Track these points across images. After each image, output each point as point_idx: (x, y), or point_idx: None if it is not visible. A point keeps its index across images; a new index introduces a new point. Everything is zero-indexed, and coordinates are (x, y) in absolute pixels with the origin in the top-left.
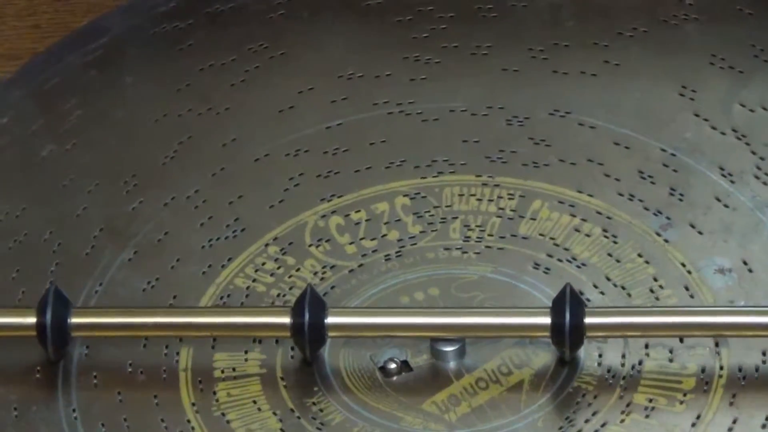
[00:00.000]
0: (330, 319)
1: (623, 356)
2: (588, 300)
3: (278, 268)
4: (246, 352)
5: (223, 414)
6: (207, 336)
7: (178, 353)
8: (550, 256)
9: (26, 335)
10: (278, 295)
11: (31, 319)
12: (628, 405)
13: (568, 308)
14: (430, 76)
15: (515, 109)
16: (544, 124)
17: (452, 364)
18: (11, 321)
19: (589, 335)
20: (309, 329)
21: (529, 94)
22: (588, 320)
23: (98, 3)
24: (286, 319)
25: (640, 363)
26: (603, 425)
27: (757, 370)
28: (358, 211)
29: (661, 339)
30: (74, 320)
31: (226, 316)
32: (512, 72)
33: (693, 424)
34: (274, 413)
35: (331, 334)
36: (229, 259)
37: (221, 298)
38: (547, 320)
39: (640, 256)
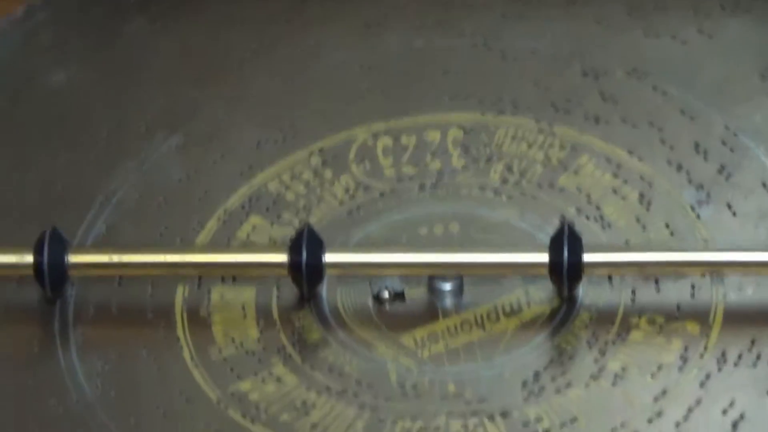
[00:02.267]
0: (328, 258)
1: (613, 323)
2: None
3: (314, 179)
4: None
5: (209, 314)
6: (205, 275)
7: None
8: (578, 211)
9: (23, 275)
10: (303, 207)
11: (29, 259)
12: (600, 370)
13: (566, 245)
14: (524, 14)
15: (595, 62)
16: (618, 82)
17: (446, 302)
18: (8, 260)
19: (588, 272)
20: (306, 268)
21: (613, 50)
22: (586, 257)
23: None
24: (284, 258)
25: (627, 331)
26: (567, 385)
27: (740, 356)
28: (410, 135)
29: (656, 310)
30: (71, 259)
31: (223, 254)
32: (605, 25)
33: (655, 398)
34: (258, 322)
35: (328, 272)
36: (270, 164)
37: (249, 199)
38: (545, 258)
39: (667, 226)
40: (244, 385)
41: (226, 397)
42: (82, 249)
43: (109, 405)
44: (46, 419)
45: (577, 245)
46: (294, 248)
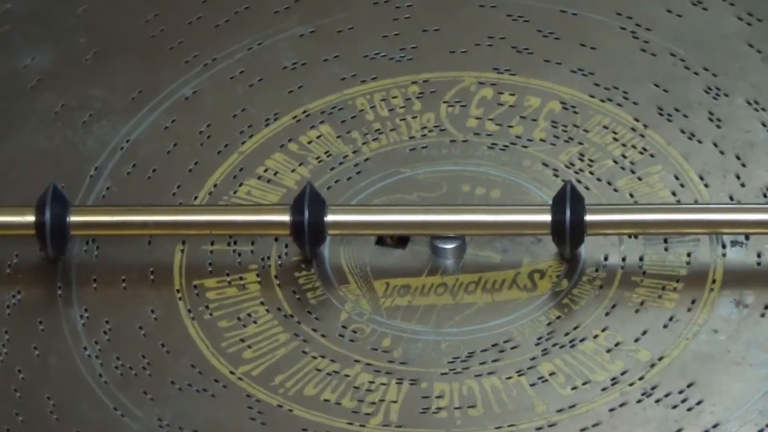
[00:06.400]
0: (329, 217)
1: (575, 328)
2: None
3: (401, 107)
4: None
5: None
6: (206, 235)
7: None
8: None
9: (25, 234)
10: (374, 131)
11: (30, 218)
12: (529, 368)
13: (569, 205)
14: (687, 14)
15: (724, 82)
16: (733, 106)
17: (443, 262)
18: (10, 220)
19: (590, 233)
20: (308, 228)
21: (748, 76)
22: (588, 217)
23: None
24: (286, 218)
25: (582, 341)
26: (489, 373)
27: (667, 395)
28: (513, 94)
29: (622, 330)
30: (73, 219)
31: (226, 214)
32: (755, 50)
33: (559, 410)
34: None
35: (330, 232)
36: (373, 78)
37: (332, 108)
38: (547, 218)
39: (688, 254)
40: (209, 282)
41: (187, 289)
42: (83, 209)
43: (83, 265)
44: (16, 267)
45: (579, 205)
46: (296, 207)
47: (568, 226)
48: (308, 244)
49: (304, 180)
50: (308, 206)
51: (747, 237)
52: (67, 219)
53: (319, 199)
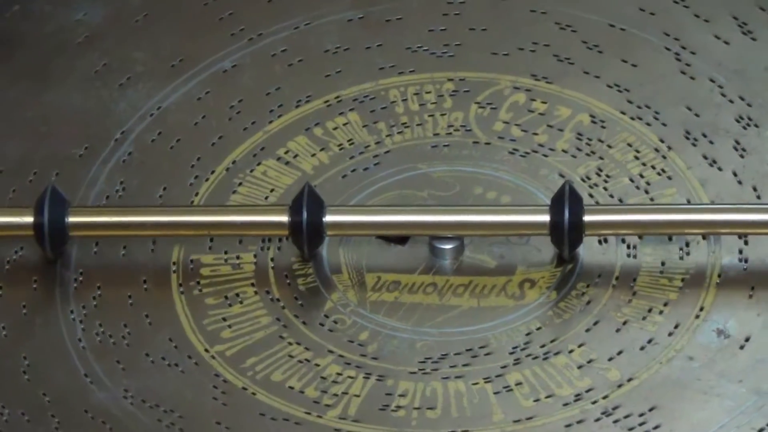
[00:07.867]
0: (328, 218)
1: (552, 341)
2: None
3: (432, 103)
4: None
5: (234, 191)
6: (204, 235)
7: None
8: (622, 240)
9: (24, 235)
10: (400, 124)
11: (29, 219)
12: (498, 376)
13: (567, 206)
14: (735, 41)
15: (756, 114)
16: (762, 140)
17: (436, 261)
18: (8, 221)
19: (588, 233)
20: (307, 228)
21: None
22: (587, 218)
23: None
24: (284, 218)
25: (556, 354)
26: (456, 377)
27: (627, 416)
28: (544, 102)
29: (598, 348)
30: (72, 219)
31: (224, 215)
32: None
33: (516, 421)
34: None
35: (329, 233)
36: (411, 71)
37: (365, 96)
38: (546, 218)
39: (682, 280)
40: (207, 258)
41: (183, 265)
42: (82, 210)
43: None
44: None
45: (578, 206)
46: (294, 208)
47: (567, 226)
48: (306, 244)
49: (323, 165)
50: (307, 207)
51: (745, 268)
52: (66, 220)
53: (317, 200)
